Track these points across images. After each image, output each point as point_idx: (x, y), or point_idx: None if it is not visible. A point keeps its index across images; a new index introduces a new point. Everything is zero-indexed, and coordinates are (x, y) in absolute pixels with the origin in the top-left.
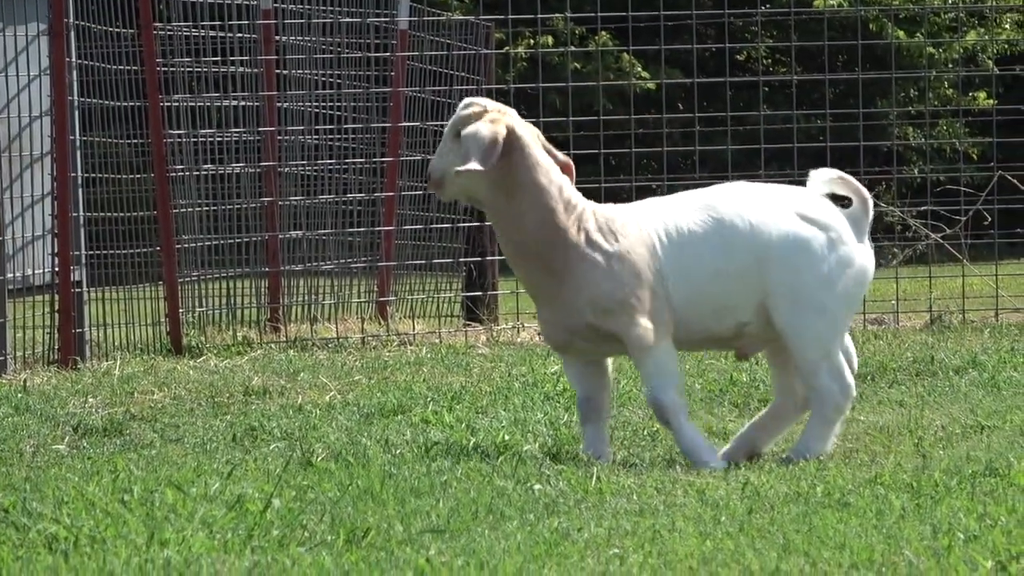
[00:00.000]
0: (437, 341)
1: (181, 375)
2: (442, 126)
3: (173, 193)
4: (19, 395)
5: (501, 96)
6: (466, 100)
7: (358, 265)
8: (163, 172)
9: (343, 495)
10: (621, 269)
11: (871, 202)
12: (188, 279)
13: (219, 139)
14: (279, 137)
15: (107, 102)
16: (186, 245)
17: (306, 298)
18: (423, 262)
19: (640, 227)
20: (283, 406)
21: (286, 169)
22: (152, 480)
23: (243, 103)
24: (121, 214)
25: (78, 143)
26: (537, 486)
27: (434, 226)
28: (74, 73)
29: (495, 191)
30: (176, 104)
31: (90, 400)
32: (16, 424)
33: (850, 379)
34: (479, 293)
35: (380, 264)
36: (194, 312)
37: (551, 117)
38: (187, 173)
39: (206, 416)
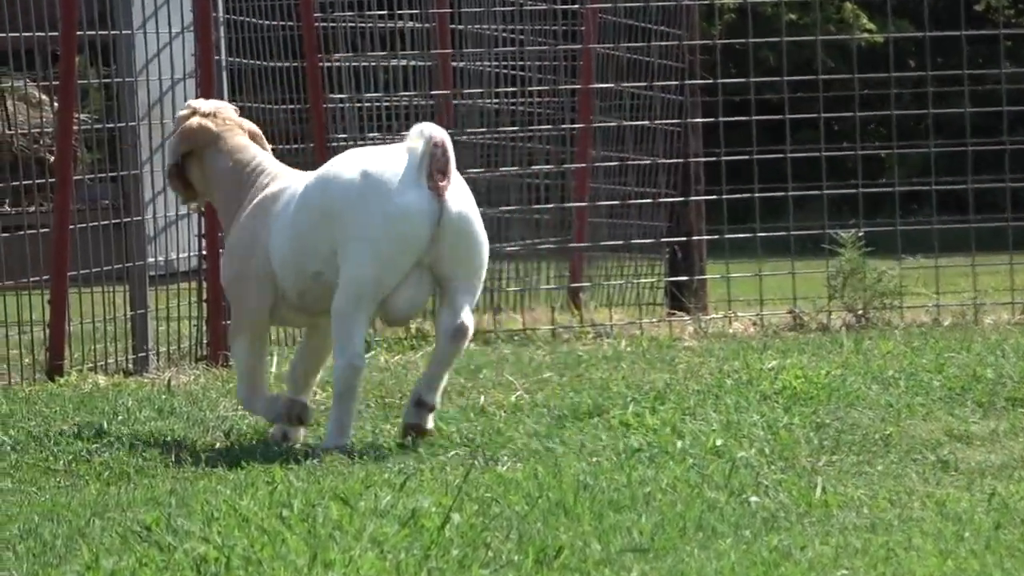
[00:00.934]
0: (638, 333)
1: None
2: (639, 87)
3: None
4: (163, 396)
5: (706, 52)
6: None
7: (547, 247)
8: (323, 142)
9: (531, 509)
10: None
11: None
12: None
13: (386, 104)
14: (454, 101)
15: (259, 62)
16: None
17: (488, 285)
18: (621, 243)
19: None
20: (463, 408)
21: (463, 138)
22: (314, 493)
23: (413, 63)
24: None
25: None
26: (754, 498)
27: (633, 202)
28: (221, 30)
29: (209, 192)
30: (337, 64)
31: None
32: (159, 429)
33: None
34: (685, 278)
35: (572, 246)
36: None
37: (763, 76)
38: (350, 143)
39: (375, 419)
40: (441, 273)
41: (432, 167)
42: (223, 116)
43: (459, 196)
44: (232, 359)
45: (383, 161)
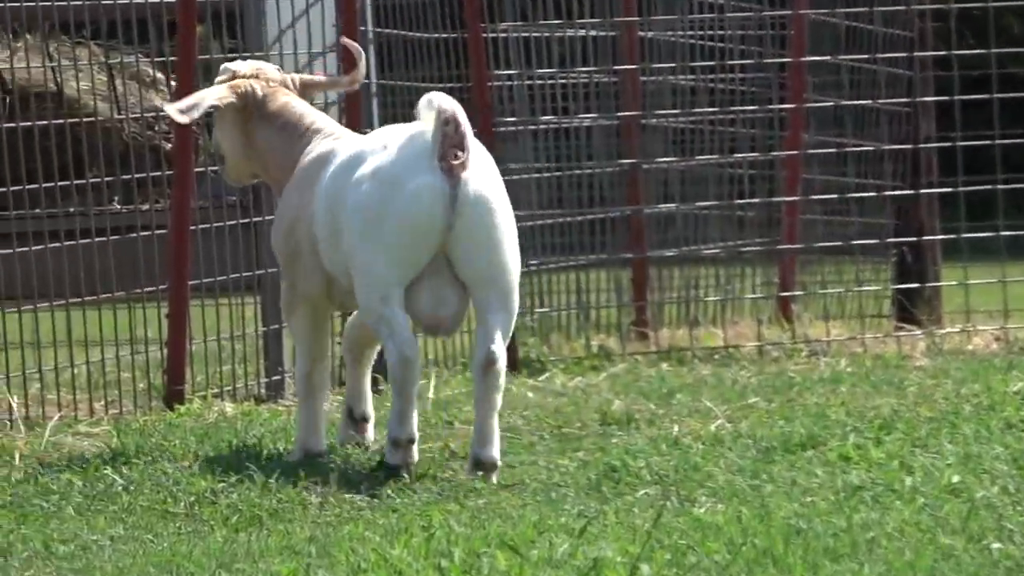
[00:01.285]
0: (860, 350)
1: (517, 398)
2: (860, 60)
3: (502, 154)
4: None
5: (939, 19)
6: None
7: (752, 249)
8: (488, 126)
9: (735, 558)
10: None
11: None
12: (524, 270)
13: (561, 81)
14: (642, 78)
15: (412, 33)
16: (520, 224)
17: (683, 294)
18: (839, 244)
19: None
20: (653, 439)
21: (652, 121)
22: (479, 539)
23: (593, 32)
24: None
25: (373, 88)
26: (996, 545)
27: (853, 195)
28: None
29: (254, 161)
30: (504, 35)
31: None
32: (296, 465)
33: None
34: (915, 285)
35: (781, 248)
36: (533, 314)
37: (1006, 47)
38: (519, 127)
39: (550, 453)
40: (463, 272)
41: (445, 145)
42: (267, 76)
43: (479, 176)
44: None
45: (397, 142)
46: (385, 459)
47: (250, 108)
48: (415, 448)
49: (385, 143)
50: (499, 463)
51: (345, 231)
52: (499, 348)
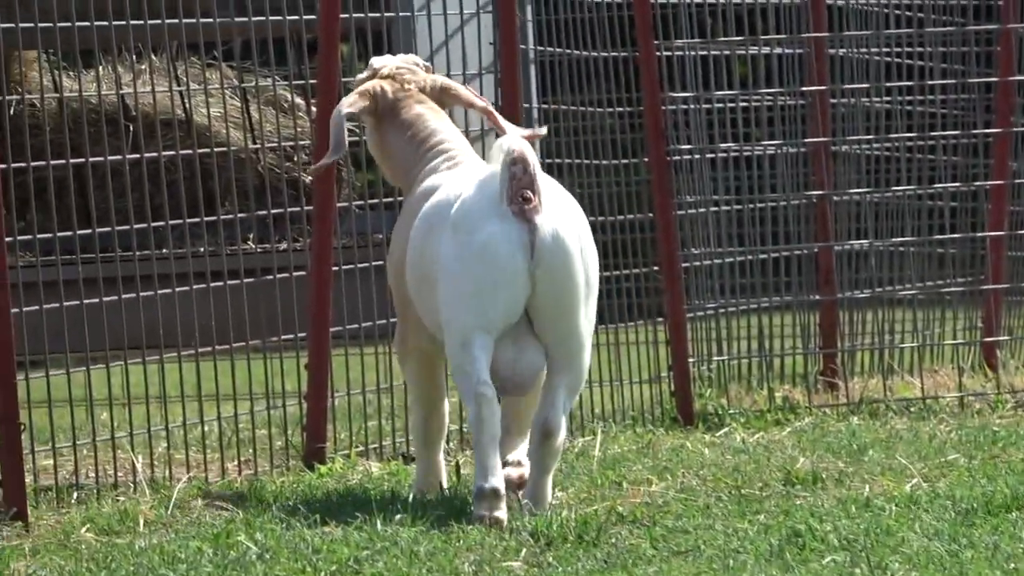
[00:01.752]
0: None
1: (692, 455)
2: None
3: (677, 185)
4: (453, 486)
5: None
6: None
7: (953, 290)
8: (661, 153)
9: None
10: None
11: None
12: (701, 314)
13: (743, 104)
14: (832, 100)
15: (577, 52)
16: (697, 263)
17: (877, 340)
18: None
19: None
20: (842, 500)
21: (843, 147)
22: None
23: (778, 50)
24: (603, 218)
25: (536, 114)
26: None
27: None
28: (529, 10)
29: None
30: (680, 54)
31: (556, 494)
32: (448, 532)
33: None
34: None
35: (986, 287)
36: (711, 363)
37: None
38: (697, 156)
39: (728, 515)
40: (537, 325)
41: (513, 189)
42: (405, 80)
43: (557, 218)
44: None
45: (473, 185)
46: (472, 510)
47: (380, 111)
48: (503, 502)
49: (464, 186)
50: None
51: (433, 283)
52: (558, 417)
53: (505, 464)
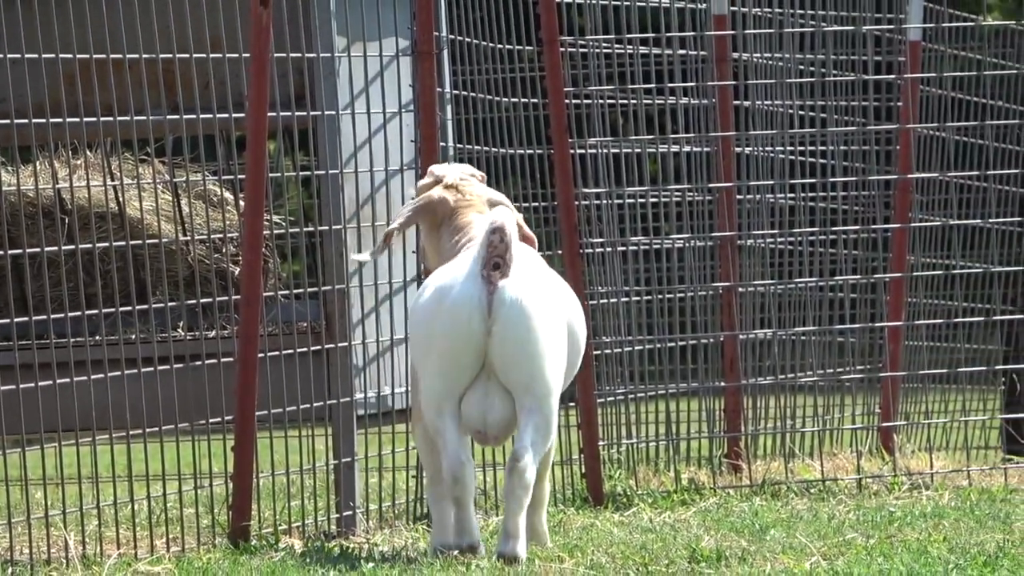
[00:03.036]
0: (964, 483)
1: (602, 534)
2: (971, 177)
3: (589, 276)
4: (371, 565)
5: None
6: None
7: (852, 377)
8: (574, 246)
9: None
10: None
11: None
12: (611, 399)
13: (653, 199)
14: (738, 196)
15: (495, 149)
16: (608, 351)
17: (779, 424)
18: (945, 371)
19: None
20: None
21: (749, 242)
22: None
23: (687, 148)
24: None
25: None
26: None
27: (961, 320)
28: (449, 109)
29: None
30: (592, 151)
31: (471, 571)
32: None
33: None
34: None
35: (883, 375)
36: (620, 445)
37: None
38: (608, 248)
39: None
40: (502, 377)
41: (489, 255)
42: (465, 190)
43: (519, 282)
44: None
45: (460, 259)
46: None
47: (440, 216)
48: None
49: (458, 260)
50: (522, 558)
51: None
52: (525, 447)
53: None
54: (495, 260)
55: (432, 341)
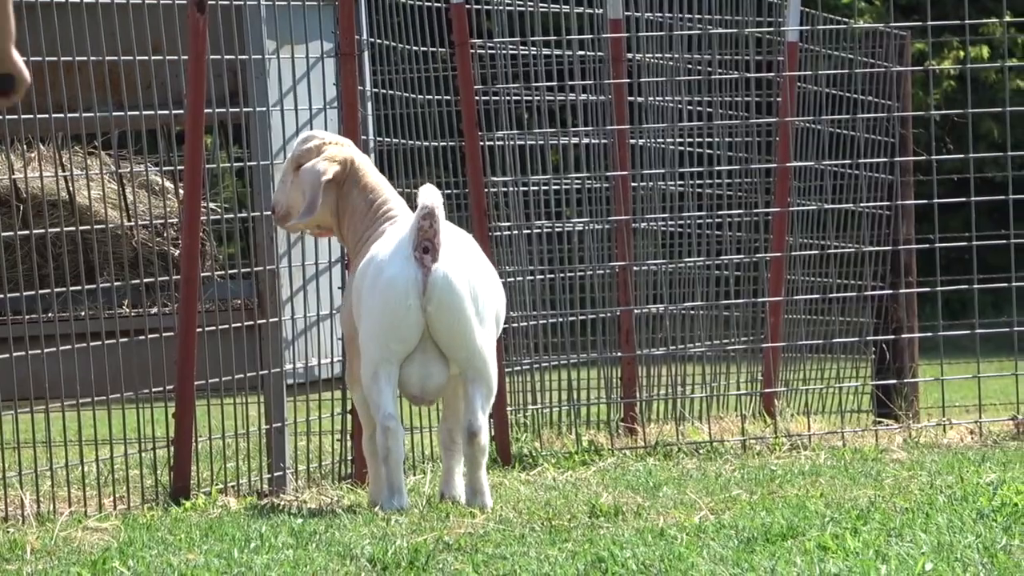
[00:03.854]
0: (839, 444)
1: (509, 492)
2: (843, 165)
3: (498, 257)
4: (300, 520)
5: (920, 125)
6: (305, 134)
7: (737, 347)
8: (484, 231)
9: None
10: None
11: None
12: (518, 368)
13: (555, 187)
14: (632, 183)
15: (411, 142)
16: (515, 324)
17: (670, 391)
18: (821, 342)
19: None
20: (640, 530)
21: (642, 225)
22: None
23: (586, 140)
24: None
25: None
26: None
27: (835, 295)
28: (369, 106)
29: (334, 217)
30: (500, 143)
31: (391, 525)
32: (297, 559)
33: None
34: (893, 381)
35: (765, 345)
36: (526, 411)
37: (986, 152)
38: (514, 232)
39: (541, 544)
40: (444, 350)
41: (419, 237)
42: (337, 142)
43: (451, 264)
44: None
45: (395, 235)
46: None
47: (346, 174)
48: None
49: (390, 237)
50: (489, 507)
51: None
52: (480, 420)
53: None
54: (425, 243)
55: (371, 315)
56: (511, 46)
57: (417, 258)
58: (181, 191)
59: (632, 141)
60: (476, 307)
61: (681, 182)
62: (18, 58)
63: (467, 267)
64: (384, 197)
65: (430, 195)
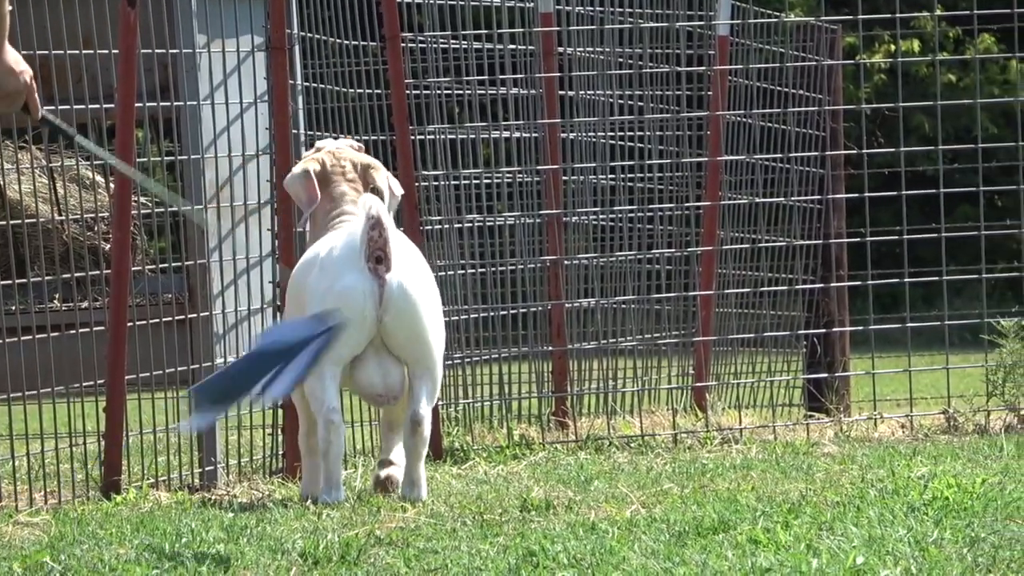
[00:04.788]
0: (770, 438)
1: (441, 485)
2: (774, 159)
3: (429, 251)
4: (231, 514)
5: (851, 119)
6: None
7: (668, 341)
8: (415, 223)
9: None
10: None
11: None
12: (449, 362)
13: (486, 181)
14: (564, 177)
15: (342, 136)
16: (447, 318)
17: (602, 385)
18: (752, 336)
19: None
20: (571, 524)
21: (573, 219)
22: None
23: (517, 134)
24: None
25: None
26: None
27: (766, 289)
28: (300, 99)
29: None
30: (431, 137)
31: (323, 519)
32: (228, 553)
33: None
34: (825, 375)
35: (696, 339)
36: (457, 405)
37: (917, 145)
38: (446, 226)
39: (472, 538)
40: (396, 352)
41: (371, 248)
42: (341, 157)
43: (403, 274)
44: None
45: (337, 244)
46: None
47: (319, 178)
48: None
49: (336, 240)
50: (425, 499)
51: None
52: (423, 409)
53: (385, 463)
54: (377, 254)
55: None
56: (442, 40)
57: (371, 269)
58: (112, 185)
59: (563, 135)
60: (428, 312)
61: (612, 176)
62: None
63: (417, 273)
64: (343, 207)
65: (373, 205)
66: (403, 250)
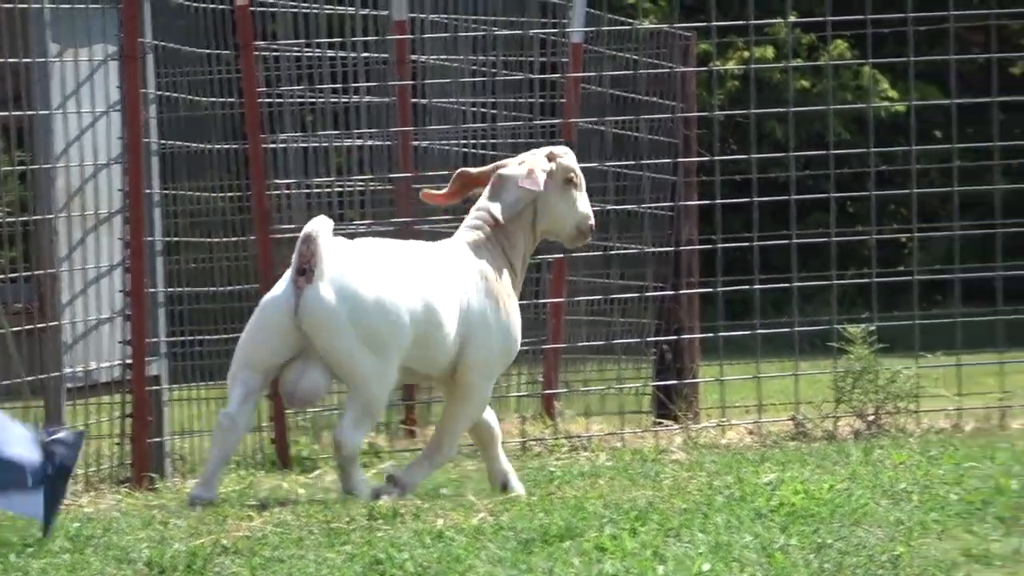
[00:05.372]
0: (619, 445)
1: (288, 495)
2: (626, 166)
3: (280, 260)
4: (77, 524)
5: (703, 125)
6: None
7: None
8: (265, 233)
9: None
10: None
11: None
12: None
13: (338, 189)
14: (416, 186)
15: (195, 145)
16: None
17: None
18: (601, 343)
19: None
20: (418, 532)
21: (426, 227)
22: None
23: (369, 142)
24: (213, 289)
25: (157, 198)
26: None
27: (616, 296)
28: (152, 108)
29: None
30: (283, 146)
31: (169, 528)
32: (73, 563)
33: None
34: (674, 382)
35: (546, 347)
36: (306, 414)
37: (770, 152)
38: (296, 234)
39: (319, 546)
40: (328, 366)
41: (299, 261)
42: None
43: (327, 287)
44: None
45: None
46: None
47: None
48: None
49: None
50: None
51: None
52: (342, 433)
53: (391, 478)
54: (303, 267)
55: (248, 327)
56: (296, 48)
57: (294, 280)
58: None
59: (415, 143)
60: (357, 327)
61: None
62: None
63: (351, 289)
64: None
65: (315, 223)
66: (356, 268)
